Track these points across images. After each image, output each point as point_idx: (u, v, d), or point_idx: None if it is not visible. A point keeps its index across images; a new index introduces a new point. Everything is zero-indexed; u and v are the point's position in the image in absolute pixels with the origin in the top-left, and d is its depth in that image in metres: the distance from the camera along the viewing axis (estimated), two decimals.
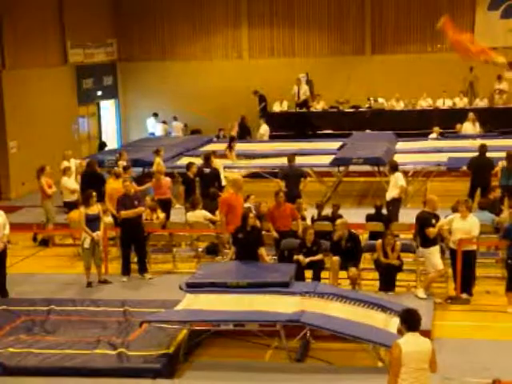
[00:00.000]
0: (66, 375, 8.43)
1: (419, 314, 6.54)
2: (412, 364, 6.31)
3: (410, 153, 17.92)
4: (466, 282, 10.85)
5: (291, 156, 15.27)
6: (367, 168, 17.38)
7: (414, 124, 21.85)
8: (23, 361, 8.60)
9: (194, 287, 9.86)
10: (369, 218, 12.85)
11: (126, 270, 12.05)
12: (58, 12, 21.81)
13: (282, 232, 11.96)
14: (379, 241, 11.08)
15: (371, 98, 23.32)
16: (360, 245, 11.39)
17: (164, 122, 24.59)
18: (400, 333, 7.10)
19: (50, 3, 21.42)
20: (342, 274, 11.13)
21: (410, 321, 6.45)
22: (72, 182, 15.08)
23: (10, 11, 19.15)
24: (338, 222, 11.49)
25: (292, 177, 14.68)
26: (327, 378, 8.47)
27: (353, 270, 10.94)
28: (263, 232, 11.53)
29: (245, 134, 23.81)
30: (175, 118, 24.61)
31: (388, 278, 10.92)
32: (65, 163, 15.99)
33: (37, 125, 19.99)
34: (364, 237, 12.41)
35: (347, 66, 23.86)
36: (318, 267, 11.18)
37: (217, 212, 12.68)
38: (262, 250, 10.91)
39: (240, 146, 20.61)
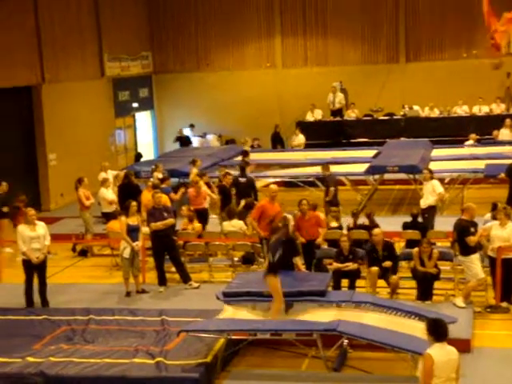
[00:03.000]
0: None
1: (446, 323, 6.46)
2: (443, 374, 6.24)
3: (447, 160, 17.78)
4: (506, 290, 10.70)
5: (326, 165, 15.36)
6: (402, 176, 17.29)
7: (450, 131, 21.64)
8: (64, 370, 8.70)
9: (230, 296, 9.91)
10: (405, 226, 12.78)
11: (162, 281, 12.14)
12: (96, 26, 22.21)
13: (307, 241, 11.94)
14: (416, 249, 11.01)
15: (406, 106, 23.19)
16: (395, 252, 11.34)
17: (200, 136, 24.88)
18: None
19: (87, 18, 21.81)
20: (379, 283, 11.09)
21: (438, 331, 6.34)
22: (110, 193, 15.30)
23: (49, 27, 19.55)
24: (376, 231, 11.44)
25: (333, 185, 14.80)
26: None
27: (394, 277, 10.89)
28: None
29: (277, 143, 23.90)
30: (205, 134, 24.89)
31: (425, 286, 10.83)
32: (102, 174, 16.24)
33: (75, 137, 20.32)
34: (400, 245, 12.34)
35: (381, 74, 23.77)
36: (353, 276, 11.16)
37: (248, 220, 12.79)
38: (298, 260, 10.92)
39: (274, 156, 20.72)
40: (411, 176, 16.92)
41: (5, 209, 14.91)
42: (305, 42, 25.21)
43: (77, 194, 15.02)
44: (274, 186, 12.68)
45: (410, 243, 12.15)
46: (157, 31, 25.80)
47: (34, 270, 11.17)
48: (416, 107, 23.09)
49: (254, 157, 19.83)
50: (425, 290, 10.81)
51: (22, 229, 11.22)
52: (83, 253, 14.89)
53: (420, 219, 13.07)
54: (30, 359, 8.94)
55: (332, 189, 14.95)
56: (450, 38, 24.06)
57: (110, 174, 16.52)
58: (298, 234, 11.98)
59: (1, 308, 10.98)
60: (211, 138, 24.91)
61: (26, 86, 19.05)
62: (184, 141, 24.36)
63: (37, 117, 19.37)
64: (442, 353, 6.28)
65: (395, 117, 23.25)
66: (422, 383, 6.31)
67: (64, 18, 20.36)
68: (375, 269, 10.95)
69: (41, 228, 11.32)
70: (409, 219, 12.88)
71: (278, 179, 17.31)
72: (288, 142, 23.51)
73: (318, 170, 16.28)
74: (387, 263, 10.98)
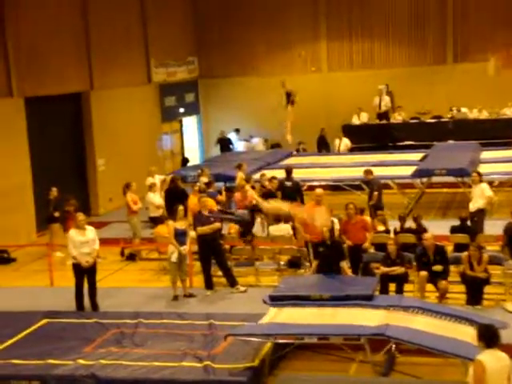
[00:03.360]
0: None
1: (497, 328, 6.32)
2: (495, 381, 6.10)
3: (496, 162, 17.47)
4: None
5: (369, 169, 15.30)
6: (450, 179, 17.05)
7: (499, 133, 21.26)
8: (114, 372, 8.84)
9: (277, 300, 9.93)
10: (454, 229, 12.61)
11: (208, 284, 12.23)
12: (142, 33, 22.52)
13: (353, 245, 11.86)
14: (465, 253, 10.86)
15: (454, 108, 22.87)
16: (447, 256, 11.20)
17: (246, 140, 25.00)
18: None
19: (134, 25, 22.14)
20: (427, 287, 10.96)
21: (490, 337, 6.18)
22: (157, 198, 15.48)
23: (97, 35, 19.90)
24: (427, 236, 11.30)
25: (376, 189, 14.69)
26: None
27: (443, 282, 10.76)
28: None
29: (323, 147, 23.83)
30: (251, 138, 25.00)
31: (475, 291, 10.66)
32: (150, 179, 16.43)
33: (123, 142, 20.61)
34: (449, 249, 12.17)
35: (428, 76, 23.48)
36: (401, 280, 11.05)
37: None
38: (344, 264, 10.88)
39: (319, 159, 20.65)
40: (459, 179, 16.68)
41: (56, 214, 15.23)
42: (350, 45, 25.09)
43: (125, 199, 15.23)
44: (319, 190, 12.65)
45: (459, 247, 11.99)
46: (202, 36, 26.01)
47: (84, 273, 11.37)
48: (464, 109, 22.76)
49: (299, 161, 19.82)
50: (474, 295, 10.65)
51: (73, 233, 11.43)
52: (131, 257, 15.08)
53: (469, 223, 12.89)
54: (81, 362, 9.11)
55: (376, 193, 14.87)
56: (498, 38, 23.59)
57: (157, 179, 16.70)
58: (344, 238, 11.93)
59: (52, 311, 11.19)
60: (257, 141, 25.00)
61: (76, 93, 19.43)
62: (225, 143, 24.45)
63: (86, 123, 19.74)
64: (493, 359, 6.14)
65: (443, 119, 22.96)
66: None
67: (112, 27, 20.71)
68: (424, 273, 10.82)
69: (90, 232, 11.53)
70: (457, 223, 12.71)
71: (323, 183, 17.25)
72: (331, 146, 23.43)
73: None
74: (438, 267, 10.84)
